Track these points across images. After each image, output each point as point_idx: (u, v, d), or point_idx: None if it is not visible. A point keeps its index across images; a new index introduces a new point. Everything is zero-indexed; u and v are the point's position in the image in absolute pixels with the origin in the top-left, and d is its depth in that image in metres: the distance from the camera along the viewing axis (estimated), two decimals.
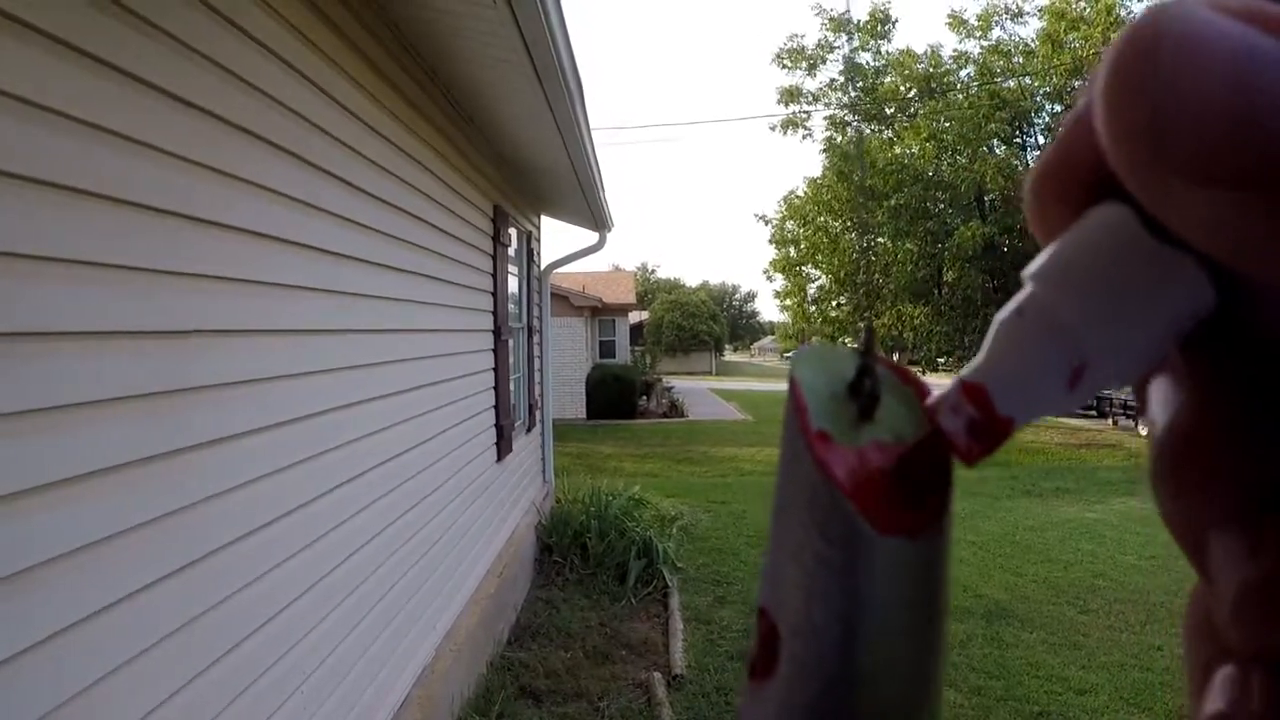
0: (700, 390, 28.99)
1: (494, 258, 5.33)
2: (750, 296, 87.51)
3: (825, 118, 19.71)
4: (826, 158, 19.08)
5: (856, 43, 19.45)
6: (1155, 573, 6.60)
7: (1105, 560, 7.07)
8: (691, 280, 78.07)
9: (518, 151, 5.37)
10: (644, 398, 20.83)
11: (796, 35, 29.91)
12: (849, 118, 19.53)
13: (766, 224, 20.86)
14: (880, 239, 18.52)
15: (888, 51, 19.52)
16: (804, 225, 19.68)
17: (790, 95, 19.65)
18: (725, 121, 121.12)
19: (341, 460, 2.77)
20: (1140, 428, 17.47)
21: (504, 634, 4.93)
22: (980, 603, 5.84)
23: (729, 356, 71.54)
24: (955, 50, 18.78)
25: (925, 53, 18.89)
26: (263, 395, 2.24)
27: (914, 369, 0.25)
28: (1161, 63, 0.15)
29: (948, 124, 17.69)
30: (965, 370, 0.21)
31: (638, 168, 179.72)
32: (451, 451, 4.24)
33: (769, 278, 22.13)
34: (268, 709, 2.24)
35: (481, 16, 3.02)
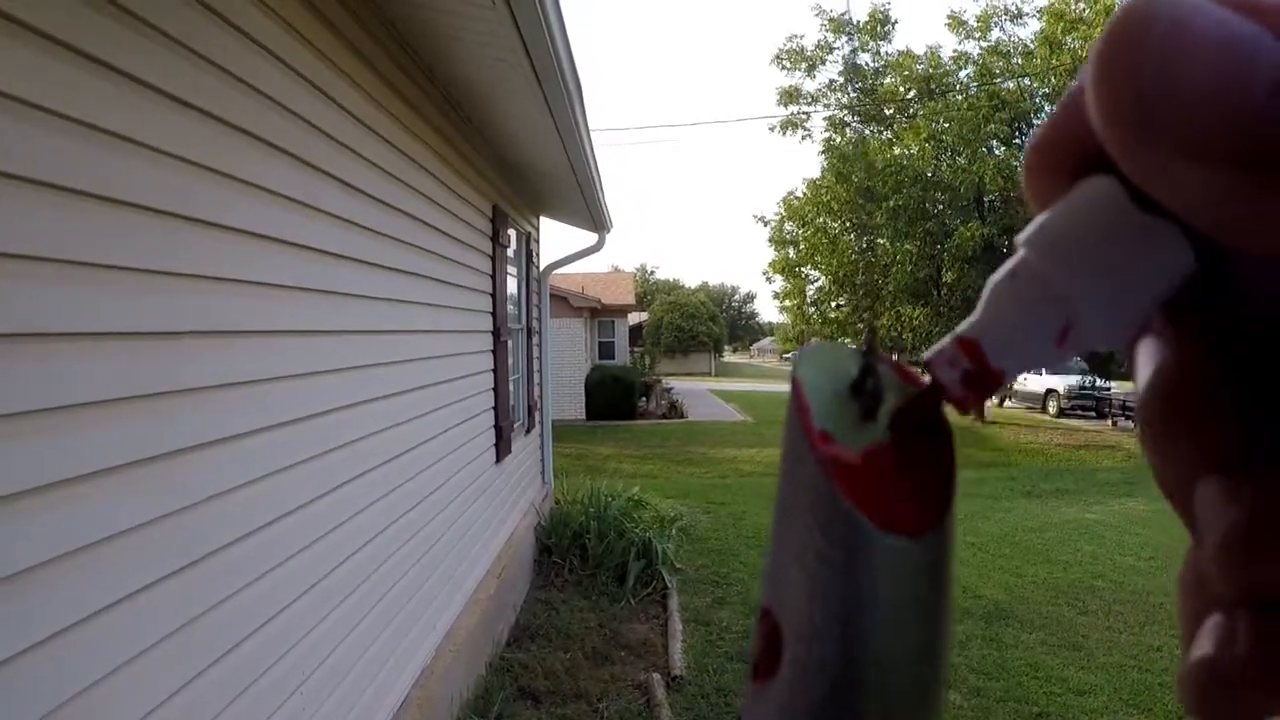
0: (699, 391, 28.98)
1: (493, 259, 5.33)
2: (749, 298, 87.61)
3: (825, 119, 19.72)
4: (825, 159, 19.07)
5: (856, 44, 19.46)
6: (1154, 574, 6.60)
7: (1104, 561, 7.07)
8: (691, 281, 78.25)
9: (517, 152, 5.37)
10: (643, 399, 20.83)
11: (796, 36, 29.96)
12: (848, 118, 19.53)
13: (765, 225, 20.86)
14: (880, 240, 18.50)
15: (887, 53, 19.53)
16: (803, 226, 19.67)
17: (789, 96, 19.64)
18: (724, 123, 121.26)
19: (341, 461, 2.77)
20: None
21: (503, 635, 4.92)
22: (979, 604, 5.84)
23: (728, 357, 71.55)
24: (955, 51, 18.79)
25: (924, 54, 18.90)
26: (262, 396, 2.24)
27: (914, 369, 0.26)
28: (1152, 44, 0.16)
29: (947, 125, 17.69)
30: (961, 327, 0.22)
31: (637, 169, 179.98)
32: (451, 452, 4.24)
33: (768, 279, 22.14)
34: (267, 709, 2.24)
35: (480, 17, 3.02)
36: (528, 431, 6.85)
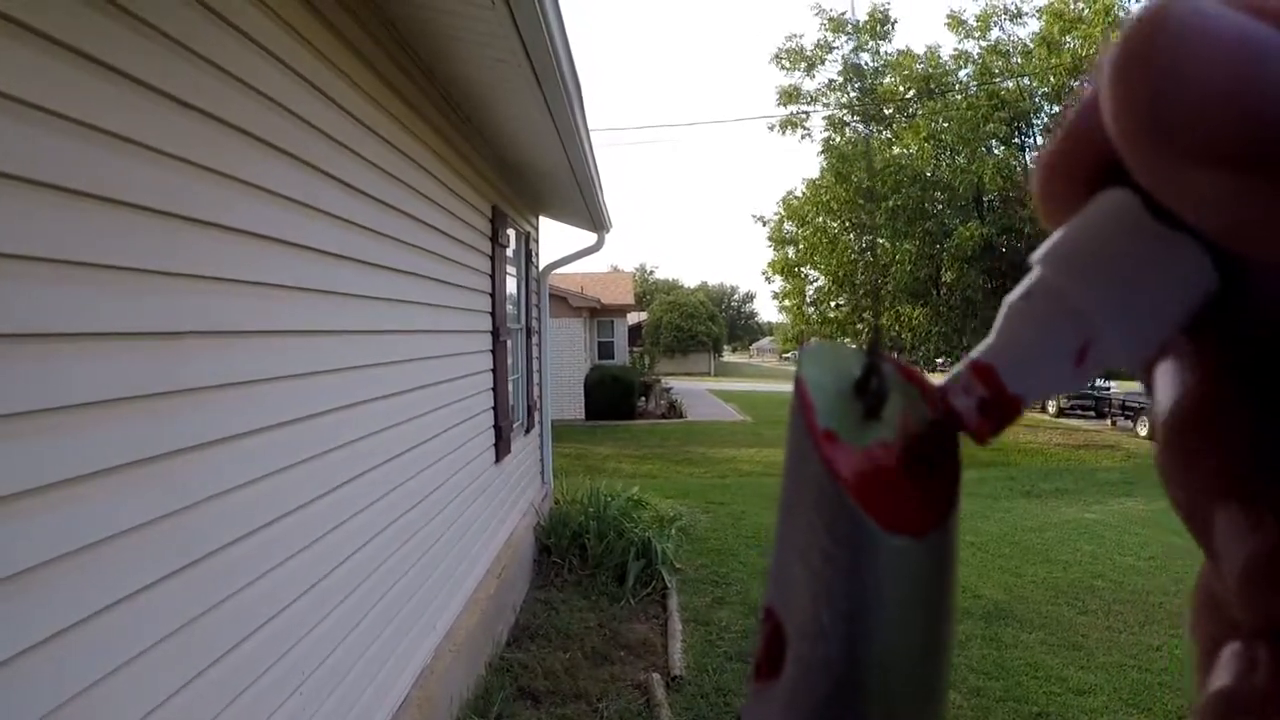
0: (699, 391, 28.99)
1: (492, 258, 5.33)
2: (749, 297, 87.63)
3: (824, 118, 19.72)
4: (825, 159, 19.07)
5: (855, 43, 19.45)
6: (1154, 573, 6.61)
7: (1104, 561, 7.07)
8: (690, 281, 78.22)
9: (516, 152, 5.37)
10: (642, 399, 20.83)
11: (795, 35, 29.96)
12: (848, 118, 19.53)
13: (764, 224, 20.87)
14: (880, 239, 18.50)
15: (887, 52, 19.53)
16: (802, 226, 19.67)
17: (789, 96, 19.65)
18: (723, 122, 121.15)
19: (341, 461, 2.77)
20: (1139, 428, 17.47)
21: (503, 635, 4.92)
22: (979, 603, 5.84)
23: (727, 357, 71.55)
24: (955, 49, 18.79)
25: (924, 53, 18.90)
26: (261, 396, 2.24)
27: (916, 368, 0.26)
28: (1166, 48, 0.16)
29: (946, 124, 17.70)
30: (975, 351, 0.21)
31: (636, 169, 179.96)
32: (450, 452, 4.24)
33: (767, 279, 22.12)
34: (267, 709, 2.24)
35: (480, 18, 3.02)
36: (527, 431, 6.85)
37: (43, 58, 1.42)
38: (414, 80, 3.56)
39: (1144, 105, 0.16)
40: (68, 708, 1.46)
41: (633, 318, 31.91)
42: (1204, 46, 0.15)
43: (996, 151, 17.77)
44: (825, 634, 0.22)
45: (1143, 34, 0.16)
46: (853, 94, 19.53)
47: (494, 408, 5.38)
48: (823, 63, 19.64)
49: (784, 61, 19.85)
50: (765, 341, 75.63)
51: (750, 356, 79.29)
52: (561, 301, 17.45)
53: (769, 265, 20.72)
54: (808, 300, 20.28)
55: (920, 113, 18.17)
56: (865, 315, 18.38)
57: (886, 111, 19.09)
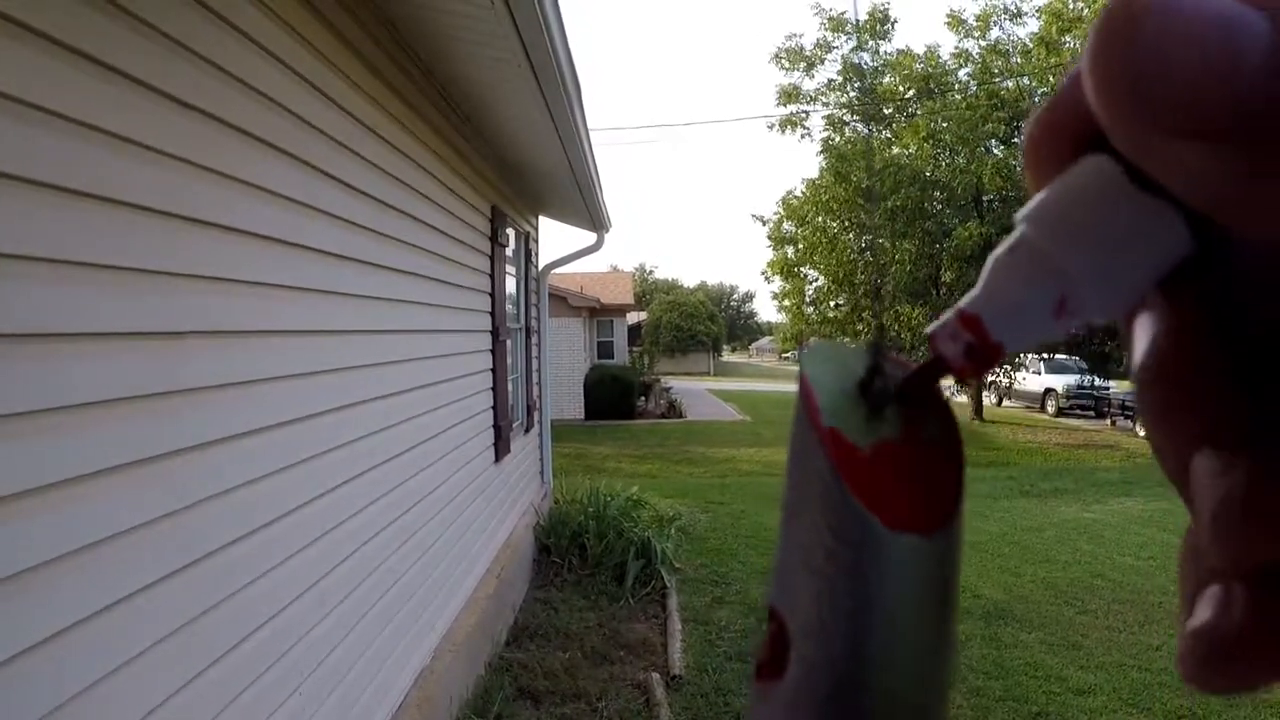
0: (698, 391, 28.98)
1: (492, 258, 5.33)
2: (748, 297, 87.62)
3: (823, 118, 19.71)
4: (824, 158, 19.06)
5: (855, 43, 19.45)
6: (1153, 573, 6.61)
7: (1103, 561, 7.07)
8: (689, 281, 78.21)
9: (516, 152, 5.37)
10: (642, 398, 20.83)
11: (795, 35, 29.95)
12: (847, 118, 19.52)
13: (764, 224, 20.87)
14: (880, 239, 18.50)
15: (886, 52, 19.52)
16: (802, 225, 19.66)
17: (788, 95, 19.64)
18: (723, 122, 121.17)
19: (341, 461, 2.77)
20: (1138, 428, 17.48)
21: (502, 635, 4.92)
22: (979, 603, 5.84)
23: (727, 357, 71.53)
24: (955, 49, 18.78)
25: (923, 53, 18.90)
26: (261, 396, 2.24)
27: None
28: (1148, 23, 0.16)
29: (945, 124, 17.69)
30: (962, 301, 0.23)
31: (636, 168, 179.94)
32: (450, 452, 4.24)
33: (767, 279, 22.11)
34: (267, 709, 2.23)
35: (479, 18, 3.02)
36: (526, 431, 6.85)
37: (42, 58, 1.42)
38: (414, 80, 3.56)
39: (1126, 81, 0.17)
40: (68, 708, 1.46)
41: (632, 317, 31.90)
42: (1184, 23, 0.16)
43: (996, 151, 17.76)
44: (829, 632, 0.22)
45: (1124, 11, 0.17)
46: (852, 94, 19.53)
47: (493, 407, 5.38)
48: (822, 62, 19.65)
49: (784, 61, 19.85)
50: (765, 341, 75.63)
51: (750, 356, 79.26)
52: (561, 301, 17.45)
53: (768, 265, 20.72)
54: (807, 300, 20.28)
55: (920, 112, 18.17)
56: (865, 315, 18.38)
57: (886, 111, 19.09)
